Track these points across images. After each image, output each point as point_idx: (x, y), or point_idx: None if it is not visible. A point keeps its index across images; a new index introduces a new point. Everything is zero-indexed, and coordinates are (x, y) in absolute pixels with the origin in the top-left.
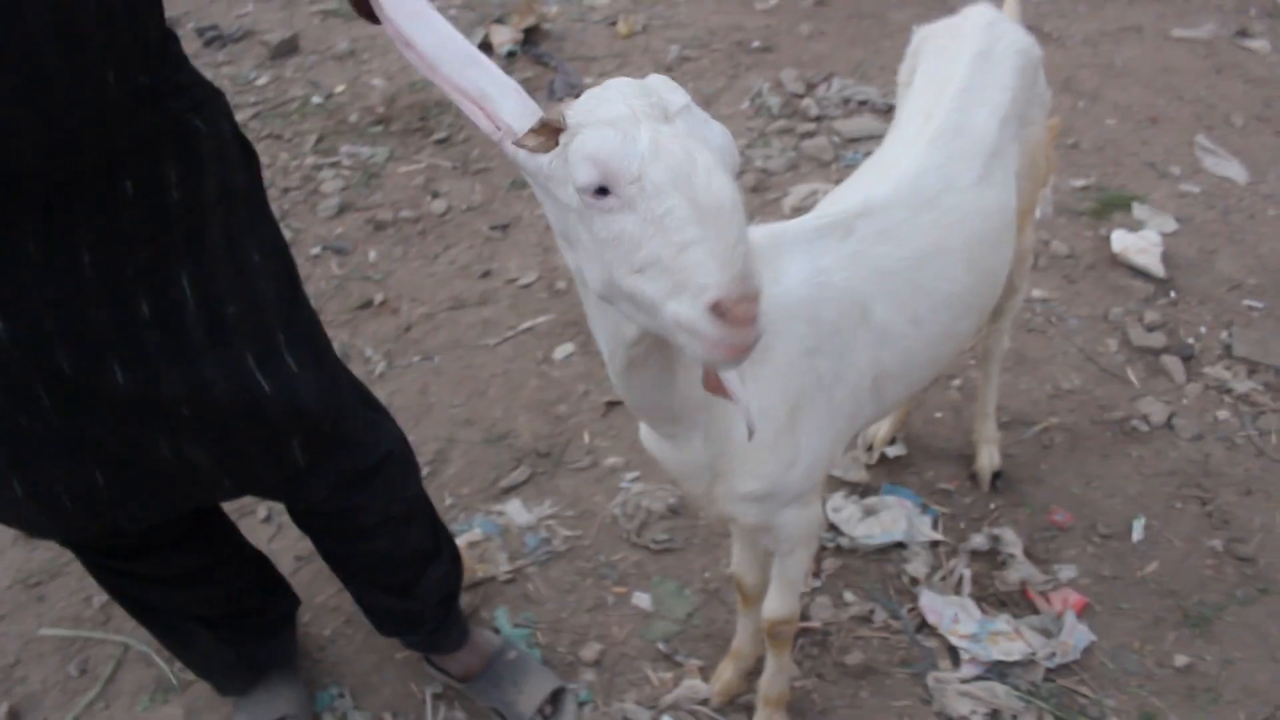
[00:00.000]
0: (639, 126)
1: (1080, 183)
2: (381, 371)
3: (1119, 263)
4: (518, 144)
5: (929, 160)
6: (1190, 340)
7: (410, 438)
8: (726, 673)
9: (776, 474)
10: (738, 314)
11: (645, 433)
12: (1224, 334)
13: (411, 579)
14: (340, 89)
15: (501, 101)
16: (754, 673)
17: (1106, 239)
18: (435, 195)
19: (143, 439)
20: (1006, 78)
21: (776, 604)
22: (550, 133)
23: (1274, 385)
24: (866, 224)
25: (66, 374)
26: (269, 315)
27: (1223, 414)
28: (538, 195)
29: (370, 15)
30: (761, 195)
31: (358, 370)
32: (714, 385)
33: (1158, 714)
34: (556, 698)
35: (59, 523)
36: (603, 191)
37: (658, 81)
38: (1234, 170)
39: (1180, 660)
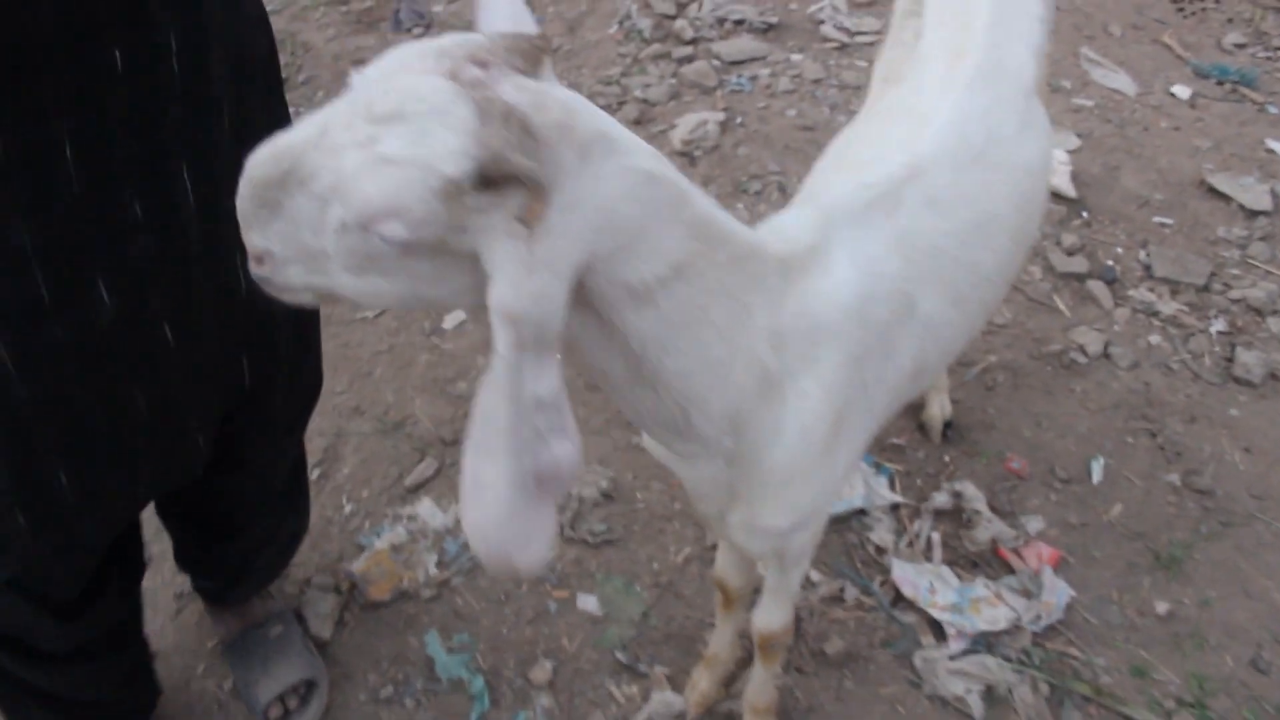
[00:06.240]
0: None
1: None
2: None
3: None
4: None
5: (971, 106)
6: (1110, 262)
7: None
8: (703, 682)
9: (812, 505)
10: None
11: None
12: (1141, 254)
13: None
14: None
15: None
16: (731, 679)
17: None
18: None
19: (117, 387)
20: (1034, 3)
21: (773, 616)
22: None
23: (1197, 305)
24: (915, 191)
25: (46, 305)
26: None
27: (1154, 339)
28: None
29: None
30: (646, 128)
31: None
32: None
33: (1148, 667)
34: (308, 689)
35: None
36: None
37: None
38: (1122, 82)
39: (1161, 607)
